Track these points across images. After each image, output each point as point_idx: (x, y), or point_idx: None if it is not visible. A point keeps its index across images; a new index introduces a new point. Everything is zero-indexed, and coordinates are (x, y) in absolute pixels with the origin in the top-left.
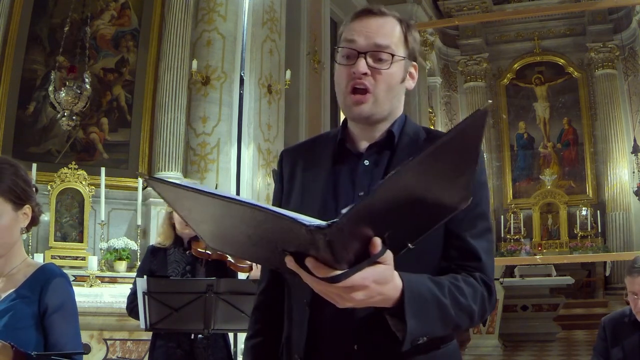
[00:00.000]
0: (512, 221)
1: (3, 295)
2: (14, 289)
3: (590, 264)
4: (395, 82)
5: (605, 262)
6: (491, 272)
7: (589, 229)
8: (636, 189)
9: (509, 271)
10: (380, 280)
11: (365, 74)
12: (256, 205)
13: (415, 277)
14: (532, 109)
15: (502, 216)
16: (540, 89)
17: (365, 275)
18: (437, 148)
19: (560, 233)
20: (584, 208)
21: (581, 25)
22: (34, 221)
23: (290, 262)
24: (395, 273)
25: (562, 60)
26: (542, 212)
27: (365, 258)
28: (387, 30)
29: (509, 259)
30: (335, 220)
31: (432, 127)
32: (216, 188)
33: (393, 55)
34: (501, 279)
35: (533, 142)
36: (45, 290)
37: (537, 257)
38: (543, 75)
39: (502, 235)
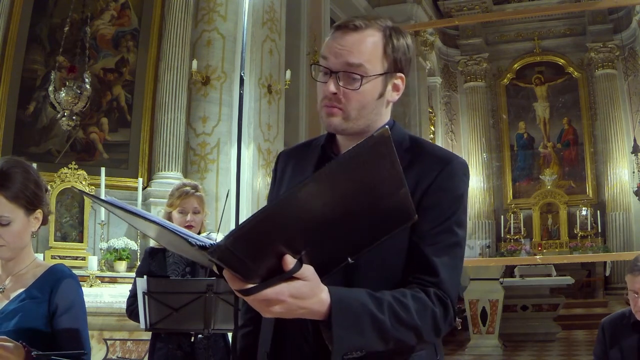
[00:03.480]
0: (512, 221)
1: (12, 295)
2: (23, 289)
3: (590, 264)
4: (369, 99)
5: (605, 262)
6: (451, 288)
7: (589, 229)
8: (636, 189)
9: (509, 271)
10: (298, 295)
11: (335, 93)
12: (154, 221)
13: (348, 292)
14: (532, 109)
15: (502, 216)
16: (540, 89)
17: (280, 290)
18: (327, 171)
19: (560, 233)
20: (584, 208)
21: (581, 25)
22: (44, 221)
23: (216, 270)
24: (323, 288)
25: (562, 60)
26: (542, 212)
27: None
28: (361, 48)
29: (509, 259)
30: (219, 241)
31: (432, 127)
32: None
33: (362, 77)
34: (501, 279)
35: (533, 142)
36: (55, 291)
37: (537, 257)
38: (543, 75)
39: (502, 235)
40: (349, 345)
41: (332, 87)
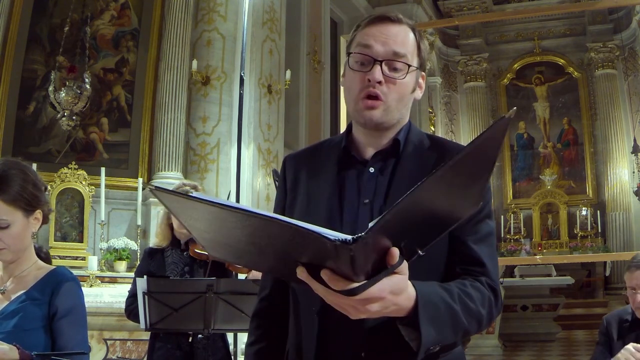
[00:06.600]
0: (512, 221)
1: (13, 297)
2: (24, 291)
3: (590, 264)
4: (407, 92)
5: (605, 262)
6: (496, 276)
7: (589, 229)
8: (636, 189)
9: (509, 271)
10: (396, 291)
11: (380, 82)
12: (276, 219)
13: (426, 285)
14: (532, 109)
15: (502, 216)
16: (540, 89)
17: (382, 286)
18: (459, 161)
19: (560, 233)
20: (584, 208)
21: (581, 25)
22: (44, 221)
23: (302, 274)
24: (409, 282)
25: (562, 60)
26: (542, 212)
27: (381, 268)
28: (404, 39)
29: (509, 259)
30: (361, 234)
31: (432, 127)
32: (228, 197)
33: (409, 66)
34: (501, 279)
35: (533, 142)
36: (56, 294)
37: (537, 257)
38: (543, 75)
39: (502, 235)
40: (434, 340)
41: (378, 75)
